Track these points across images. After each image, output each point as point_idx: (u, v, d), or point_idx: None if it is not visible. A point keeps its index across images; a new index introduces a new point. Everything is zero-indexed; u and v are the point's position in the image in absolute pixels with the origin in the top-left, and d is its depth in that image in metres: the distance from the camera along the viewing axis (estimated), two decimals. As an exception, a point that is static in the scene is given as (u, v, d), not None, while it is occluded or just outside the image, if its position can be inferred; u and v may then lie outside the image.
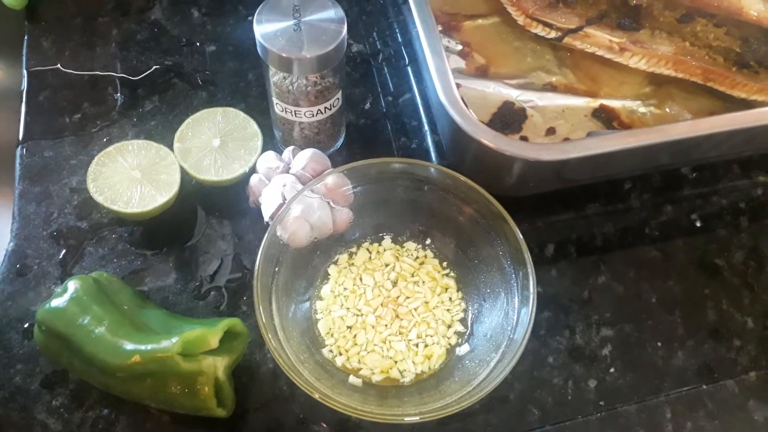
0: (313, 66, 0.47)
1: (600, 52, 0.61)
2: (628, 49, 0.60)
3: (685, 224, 0.58)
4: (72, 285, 0.45)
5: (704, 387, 0.50)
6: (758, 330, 0.53)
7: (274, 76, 0.50)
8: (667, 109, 0.62)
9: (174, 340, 0.42)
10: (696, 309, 0.54)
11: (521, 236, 0.46)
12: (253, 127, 0.56)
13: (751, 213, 0.59)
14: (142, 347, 0.42)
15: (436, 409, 0.42)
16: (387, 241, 0.54)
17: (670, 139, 0.49)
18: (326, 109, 0.52)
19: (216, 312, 0.52)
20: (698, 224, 0.58)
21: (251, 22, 0.47)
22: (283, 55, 0.46)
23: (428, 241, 0.54)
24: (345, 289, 0.51)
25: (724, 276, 0.56)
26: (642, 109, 0.62)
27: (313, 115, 0.52)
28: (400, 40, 0.66)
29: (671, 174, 0.60)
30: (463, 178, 0.49)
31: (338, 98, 0.53)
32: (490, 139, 0.48)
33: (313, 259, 0.52)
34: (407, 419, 0.41)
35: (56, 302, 0.44)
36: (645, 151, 0.50)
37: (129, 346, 0.42)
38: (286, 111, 0.52)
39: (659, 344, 0.52)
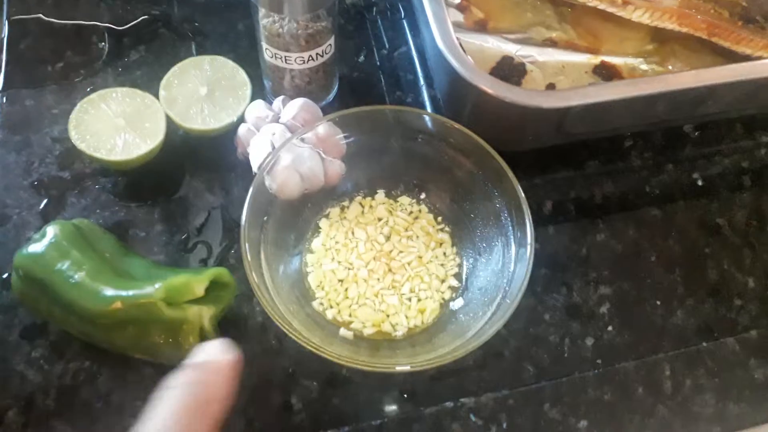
0: (304, 6, 0.45)
1: (602, 6, 0.59)
2: (631, 2, 0.58)
3: (687, 183, 0.57)
4: (51, 230, 0.43)
5: (704, 345, 0.49)
6: (759, 290, 0.52)
7: (264, 19, 0.48)
8: (670, 67, 0.60)
9: (157, 285, 0.40)
10: (696, 268, 0.53)
11: (521, 191, 0.45)
12: (242, 75, 0.54)
13: (753, 173, 0.58)
14: (124, 293, 0.40)
15: (428, 360, 0.40)
16: (380, 195, 0.52)
17: (673, 89, 0.47)
18: (318, 56, 0.50)
19: (203, 265, 0.50)
20: (700, 183, 0.57)
21: (241, -35, 0.45)
22: (274, -7, 0.44)
23: (423, 196, 0.52)
24: (336, 242, 0.50)
25: (726, 235, 0.54)
26: (644, 66, 0.60)
27: (304, 62, 0.50)
28: (396, -8, 0.64)
29: (673, 132, 0.59)
30: (460, 126, 0.47)
31: (330, 44, 0.51)
32: (489, 85, 0.46)
33: (303, 212, 0.50)
34: (399, 368, 0.39)
35: (34, 247, 0.42)
36: (647, 102, 0.48)
37: (110, 291, 0.40)
38: (276, 57, 0.50)
39: (658, 303, 0.51)
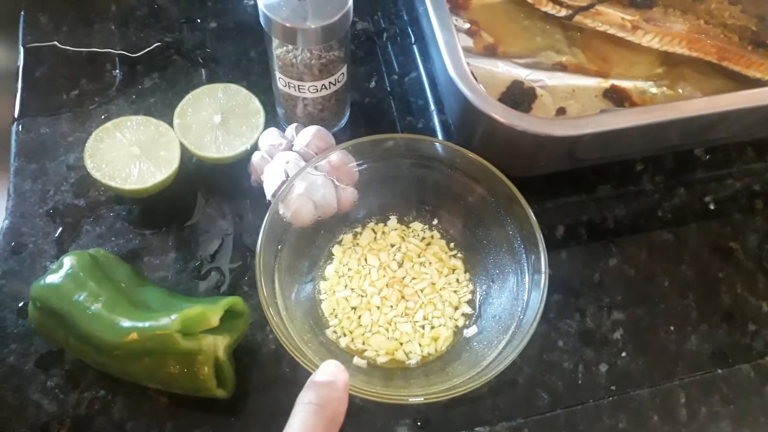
0: (317, 37, 0.46)
1: (612, 31, 0.60)
2: (640, 27, 0.59)
3: (699, 207, 0.57)
4: (68, 261, 0.43)
5: (719, 371, 0.49)
6: (774, 315, 0.52)
7: (278, 49, 0.49)
8: (680, 90, 0.60)
9: (173, 317, 0.40)
10: (710, 293, 0.53)
11: (534, 217, 0.45)
12: (255, 103, 0.54)
13: (766, 196, 0.58)
14: (140, 324, 0.40)
15: (442, 390, 0.40)
16: (393, 221, 0.52)
17: (685, 116, 0.47)
18: (331, 84, 0.51)
19: (216, 293, 0.50)
20: (712, 207, 0.57)
21: (253, -3, 0.46)
22: (287, 25, 0.45)
23: (435, 222, 0.52)
24: (349, 269, 0.50)
25: (739, 259, 0.54)
26: (654, 90, 0.60)
27: (317, 90, 0.51)
28: (405, 18, 0.64)
29: (684, 156, 0.59)
30: (471, 154, 0.47)
31: (343, 73, 0.51)
32: (501, 114, 0.46)
33: (316, 239, 0.50)
34: (412, 400, 0.39)
35: (51, 278, 0.42)
36: (660, 129, 0.48)
37: (126, 323, 0.40)
38: (289, 86, 0.51)
39: (672, 328, 0.51)
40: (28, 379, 0.46)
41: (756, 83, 0.58)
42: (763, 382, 0.49)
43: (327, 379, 0.33)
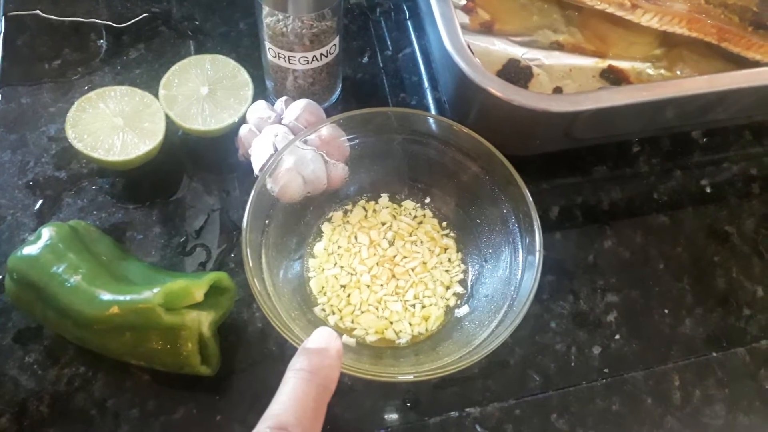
0: (309, 5, 0.44)
1: (610, 9, 0.58)
2: (640, 6, 0.57)
3: (695, 190, 0.56)
4: (46, 232, 0.41)
5: (714, 355, 0.48)
6: (769, 299, 0.51)
7: (268, 18, 0.47)
8: (678, 72, 0.59)
9: (156, 290, 0.39)
10: (705, 276, 0.52)
11: (530, 196, 0.44)
12: (244, 75, 0.52)
13: (762, 180, 0.57)
14: (121, 298, 0.39)
15: (433, 369, 0.39)
16: (384, 199, 0.51)
17: (685, 94, 0.46)
18: (322, 56, 0.49)
19: (202, 269, 0.49)
20: (708, 190, 0.56)
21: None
22: (278, -9, 0.43)
23: (427, 200, 0.51)
24: (339, 247, 0.49)
25: (735, 243, 0.53)
26: (651, 71, 0.59)
27: (308, 62, 0.49)
28: (400, -7, 0.63)
29: (681, 138, 0.58)
30: (467, 130, 0.46)
31: (335, 45, 0.49)
32: (497, 88, 0.45)
33: (305, 216, 0.49)
34: (401, 378, 0.38)
35: (29, 249, 0.41)
36: (659, 107, 0.47)
37: (107, 296, 0.39)
38: (279, 57, 0.49)
39: (666, 311, 0.50)
40: (5, 354, 0.44)
41: (756, 65, 0.57)
42: (758, 366, 0.48)
43: (319, 346, 0.32)
